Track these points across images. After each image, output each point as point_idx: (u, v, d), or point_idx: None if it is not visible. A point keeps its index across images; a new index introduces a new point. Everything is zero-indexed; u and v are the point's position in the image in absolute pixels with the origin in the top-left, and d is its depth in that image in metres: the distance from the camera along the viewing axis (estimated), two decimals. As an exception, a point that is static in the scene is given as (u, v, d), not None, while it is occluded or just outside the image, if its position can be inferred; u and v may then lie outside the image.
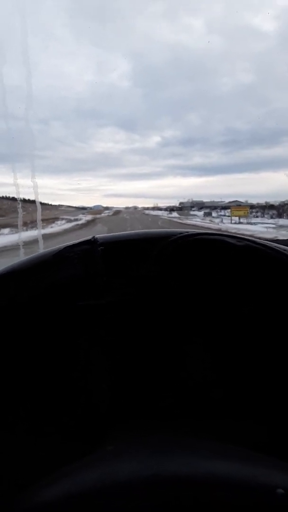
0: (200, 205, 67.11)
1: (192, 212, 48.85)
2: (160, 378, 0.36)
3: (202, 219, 31.78)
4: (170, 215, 40.00)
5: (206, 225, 20.30)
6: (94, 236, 0.37)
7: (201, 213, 45.96)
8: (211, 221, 29.07)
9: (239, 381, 0.35)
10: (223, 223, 26.87)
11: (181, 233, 0.36)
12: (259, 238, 0.39)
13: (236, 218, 28.55)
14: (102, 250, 0.35)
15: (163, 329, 0.36)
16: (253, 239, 0.36)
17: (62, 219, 28.13)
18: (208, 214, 42.18)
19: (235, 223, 26.74)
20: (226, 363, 0.36)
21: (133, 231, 0.39)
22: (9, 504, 0.22)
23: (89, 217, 31.74)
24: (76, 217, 29.85)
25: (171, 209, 58.59)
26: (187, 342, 0.36)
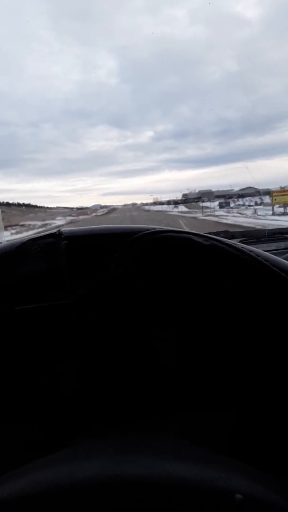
0: (209, 196, 57.64)
1: (203, 204, 39.39)
2: (124, 378, 0.36)
3: (228, 212, 22.42)
4: (178, 210, 30.62)
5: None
6: (59, 229, 0.36)
7: (214, 204, 36.55)
8: (240, 214, 19.90)
9: (204, 377, 0.36)
10: (259, 215, 17.74)
11: (147, 229, 0.36)
12: None
13: (273, 208, 19.39)
14: (66, 244, 0.35)
15: (129, 327, 0.36)
16: (219, 238, 0.35)
17: (22, 225, 19.54)
18: (226, 204, 32.78)
19: (280, 214, 17.60)
20: (192, 361, 0.36)
21: (100, 225, 0.38)
22: None
23: (65, 220, 22.53)
24: (46, 222, 20.98)
25: (175, 203, 49.47)
26: (153, 340, 0.36)
